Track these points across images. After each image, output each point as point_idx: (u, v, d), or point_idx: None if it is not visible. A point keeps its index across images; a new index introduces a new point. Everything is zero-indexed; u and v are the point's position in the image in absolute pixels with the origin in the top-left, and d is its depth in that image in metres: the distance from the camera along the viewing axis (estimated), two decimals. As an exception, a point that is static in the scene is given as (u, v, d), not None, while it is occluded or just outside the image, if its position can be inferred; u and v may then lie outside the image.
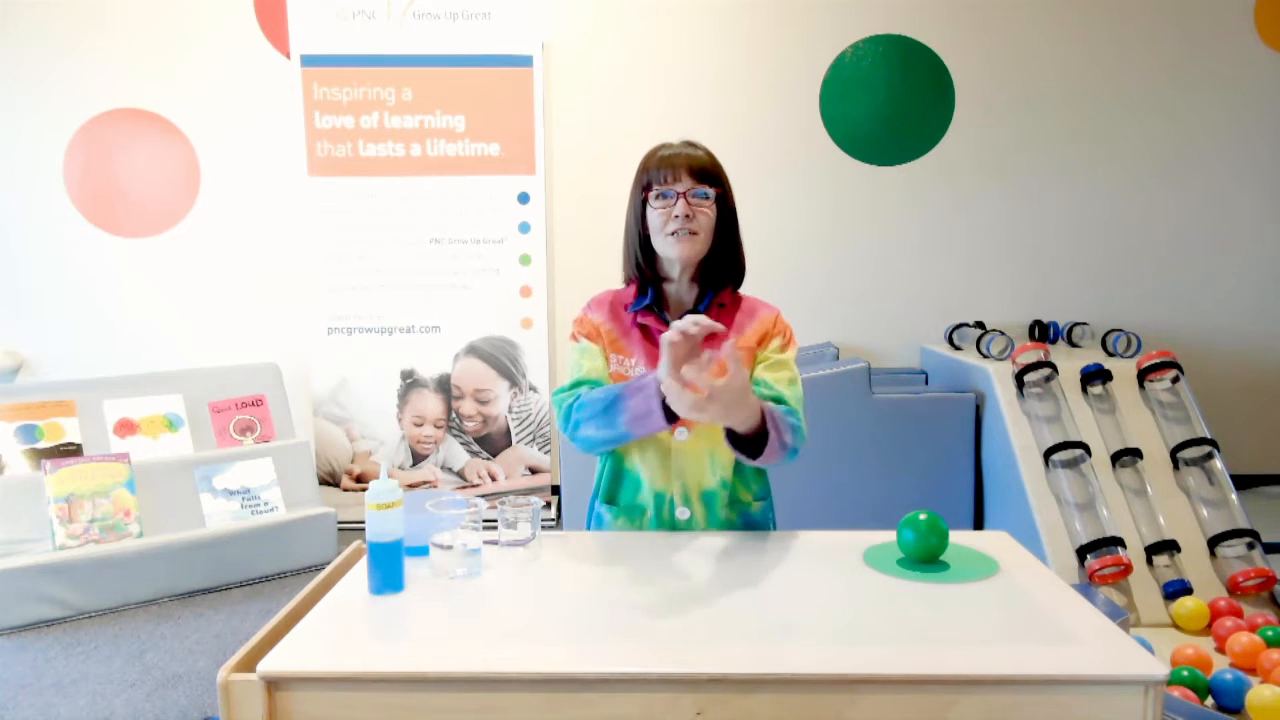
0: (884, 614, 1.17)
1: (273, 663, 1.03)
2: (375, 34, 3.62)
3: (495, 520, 1.44)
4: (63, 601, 2.81)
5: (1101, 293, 4.03)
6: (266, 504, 3.25)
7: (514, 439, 3.80)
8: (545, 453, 3.83)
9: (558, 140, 3.93)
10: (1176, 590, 2.55)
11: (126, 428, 3.20)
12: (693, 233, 1.47)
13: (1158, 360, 2.94)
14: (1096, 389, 2.99)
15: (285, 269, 3.91)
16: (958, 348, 3.67)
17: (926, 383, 3.73)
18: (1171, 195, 3.99)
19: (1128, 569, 2.56)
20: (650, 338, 1.52)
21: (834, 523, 1.79)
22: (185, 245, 3.94)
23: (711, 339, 1.31)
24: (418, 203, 3.69)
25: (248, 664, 1.04)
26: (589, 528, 1.61)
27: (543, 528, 1.47)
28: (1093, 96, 3.94)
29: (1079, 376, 3.00)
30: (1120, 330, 3.26)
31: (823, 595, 1.24)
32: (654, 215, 1.49)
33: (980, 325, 3.80)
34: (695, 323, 1.28)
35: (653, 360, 1.51)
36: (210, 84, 3.86)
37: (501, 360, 3.77)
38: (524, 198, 3.72)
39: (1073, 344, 3.64)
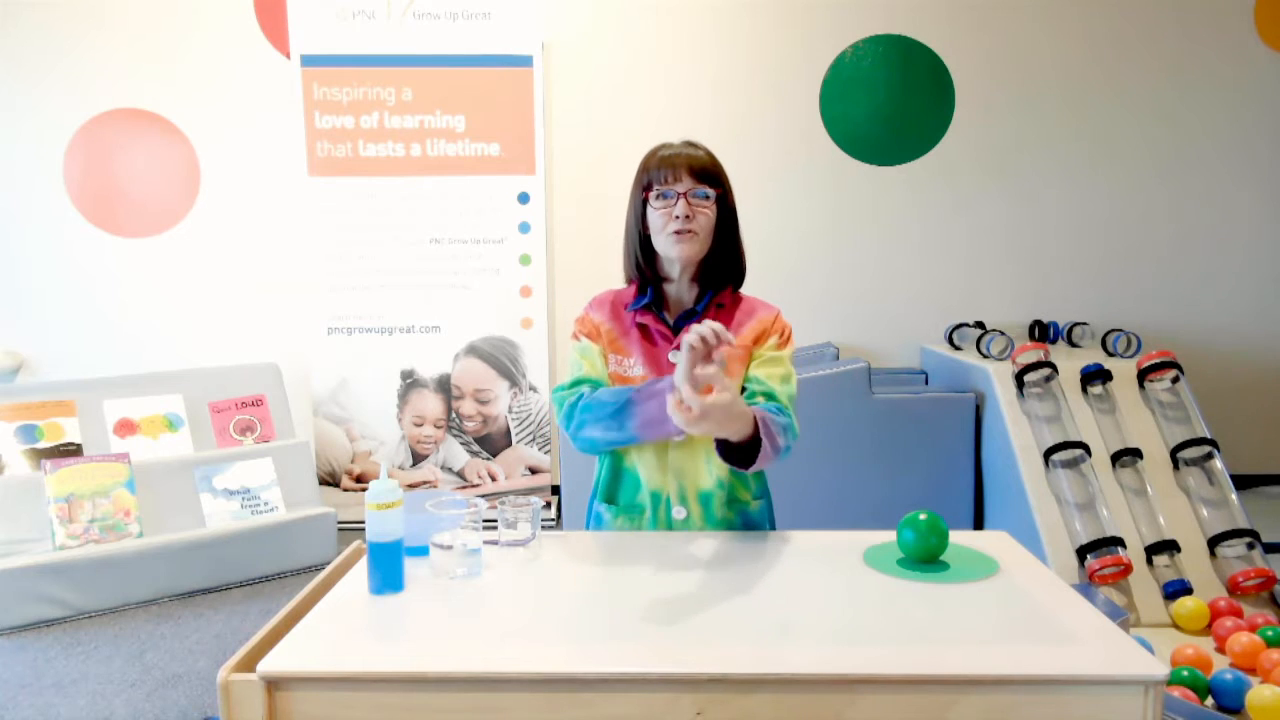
0: (884, 614, 1.17)
1: (273, 663, 1.03)
2: (375, 34, 3.62)
3: (495, 520, 1.44)
4: (63, 601, 2.81)
5: (1101, 293, 4.03)
6: (266, 504, 3.25)
7: (514, 439, 3.80)
8: (545, 453, 3.83)
9: (558, 140, 3.93)
10: (1176, 590, 2.55)
11: (126, 428, 3.20)
12: (693, 233, 1.47)
13: (1158, 360, 2.94)
14: (1096, 389, 2.99)
15: (285, 269, 3.91)
16: (958, 348, 3.67)
17: (926, 383, 3.73)
18: (1171, 195, 3.99)
19: (1128, 569, 2.56)
20: (649, 337, 1.53)
21: (834, 523, 1.79)
22: (185, 245, 3.94)
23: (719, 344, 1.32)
24: (418, 203, 3.69)
25: (248, 664, 1.04)
26: (588, 527, 1.61)
27: (543, 528, 1.47)
28: (1093, 96, 3.94)
29: (1079, 376, 3.00)
30: (1120, 330, 3.26)
31: (823, 595, 1.24)
32: (654, 215, 1.49)
33: (980, 325, 3.80)
34: (714, 331, 1.29)
35: (651, 360, 1.51)
36: (210, 84, 3.86)
37: (501, 360, 3.77)
38: (524, 198, 3.72)
39: (1073, 344, 3.64)
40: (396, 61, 3.62)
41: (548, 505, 3.79)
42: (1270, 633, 2.27)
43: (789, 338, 1.55)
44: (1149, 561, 2.64)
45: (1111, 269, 4.03)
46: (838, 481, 3.19)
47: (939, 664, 1.01)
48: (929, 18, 3.89)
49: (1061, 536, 2.67)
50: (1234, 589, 2.56)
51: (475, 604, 1.20)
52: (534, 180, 3.71)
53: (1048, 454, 2.81)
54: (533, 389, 3.78)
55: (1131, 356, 3.16)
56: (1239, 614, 2.45)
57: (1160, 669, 0.99)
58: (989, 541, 1.43)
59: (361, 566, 1.31)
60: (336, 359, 3.73)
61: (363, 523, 1.25)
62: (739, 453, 1.38)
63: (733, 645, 1.06)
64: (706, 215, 1.48)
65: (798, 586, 1.27)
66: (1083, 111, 3.95)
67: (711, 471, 1.51)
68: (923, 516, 1.34)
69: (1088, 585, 2.57)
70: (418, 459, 3.78)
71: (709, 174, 1.49)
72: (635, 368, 1.52)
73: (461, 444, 3.79)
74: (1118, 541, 2.60)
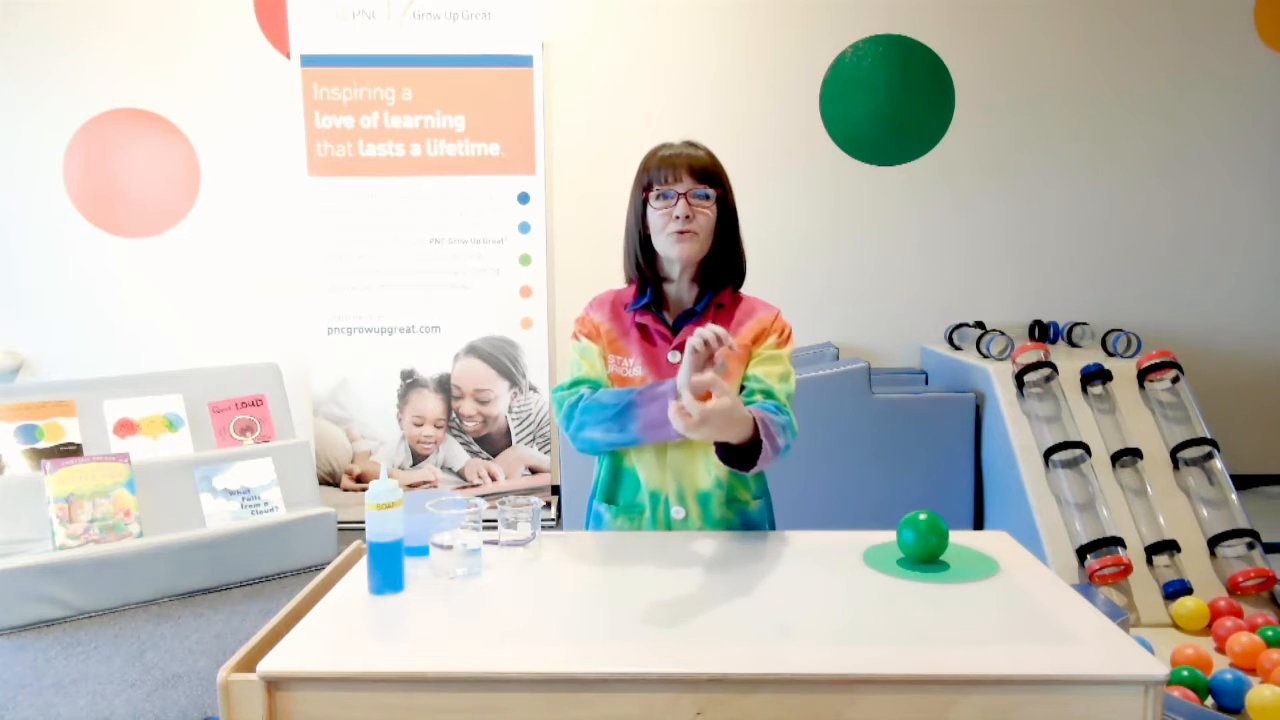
0: (884, 614, 1.17)
1: (273, 663, 1.03)
2: (375, 34, 3.62)
3: (495, 520, 1.44)
4: (63, 601, 2.81)
5: (1101, 293, 4.03)
6: (266, 504, 3.25)
7: (514, 439, 3.80)
8: (545, 453, 3.83)
9: (558, 140, 3.93)
10: (1176, 590, 2.55)
11: (126, 428, 3.20)
12: (693, 233, 1.47)
13: (1158, 360, 2.94)
14: (1096, 389, 2.99)
15: (285, 269, 3.91)
16: (958, 348, 3.67)
17: (926, 383, 3.73)
18: (1171, 195, 3.99)
19: (1128, 569, 2.56)
20: (648, 337, 1.53)
21: (834, 523, 1.79)
22: (185, 245, 3.94)
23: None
24: (418, 203, 3.69)
25: (248, 664, 1.04)
26: (587, 527, 1.61)
27: (543, 528, 1.47)
28: (1093, 96, 3.94)
29: (1079, 376, 3.00)
30: (1120, 330, 3.26)
31: (823, 595, 1.24)
32: (654, 215, 1.49)
33: (980, 325, 3.80)
34: (716, 334, 1.30)
35: (650, 360, 1.51)
36: (210, 84, 3.86)
37: (501, 360, 3.77)
38: (524, 198, 3.72)
39: (1073, 344, 3.64)
40: (396, 61, 3.62)
41: (548, 505, 3.79)
42: (1270, 633, 2.27)
43: (788, 336, 1.55)
44: (1149, 561, 2.64)
45: (1111, 269, 4.03)
46: (838, 481, 3.19)
47: (939, 664, 1.01)
48: (929, 18, 3.89)
49: (1061, 536, 2.67)
50: (1234, 589, 2.56)
51: (475, 604, 1.20)
52: (534, 180, 3.71)
53: (1048, 454, 2.81)
54: (533, 389, 3.78)
55: (1131, 356, 3.16)
56: (1239, 614, 2.45)
57: (1160, 669, 0.99)
58: (989, 541, 1.43)
59: (361, 566, 1.31)
60: (336, 359, 3.73)
61: (363, 523, 1.25)
62: (739, 455, 1.38)
63: (733, 645, 1.06)
64: (707, 215, 1.48)
65: (798, 586, 1.27)
66: (1083, 111, 3.95)
67: (710, 471, 1.51)
68: (923, 516, 1.34)
69: (1088, 585, 2.57)
70: (418, 459, 3.78)
71: (709, 174, 1.49)
72: (634, 368, 1.52)
73: (461, 444, 3.79)
74: (1118, 541, 2.60)
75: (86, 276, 3.93)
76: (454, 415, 3.77)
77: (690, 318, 1.52)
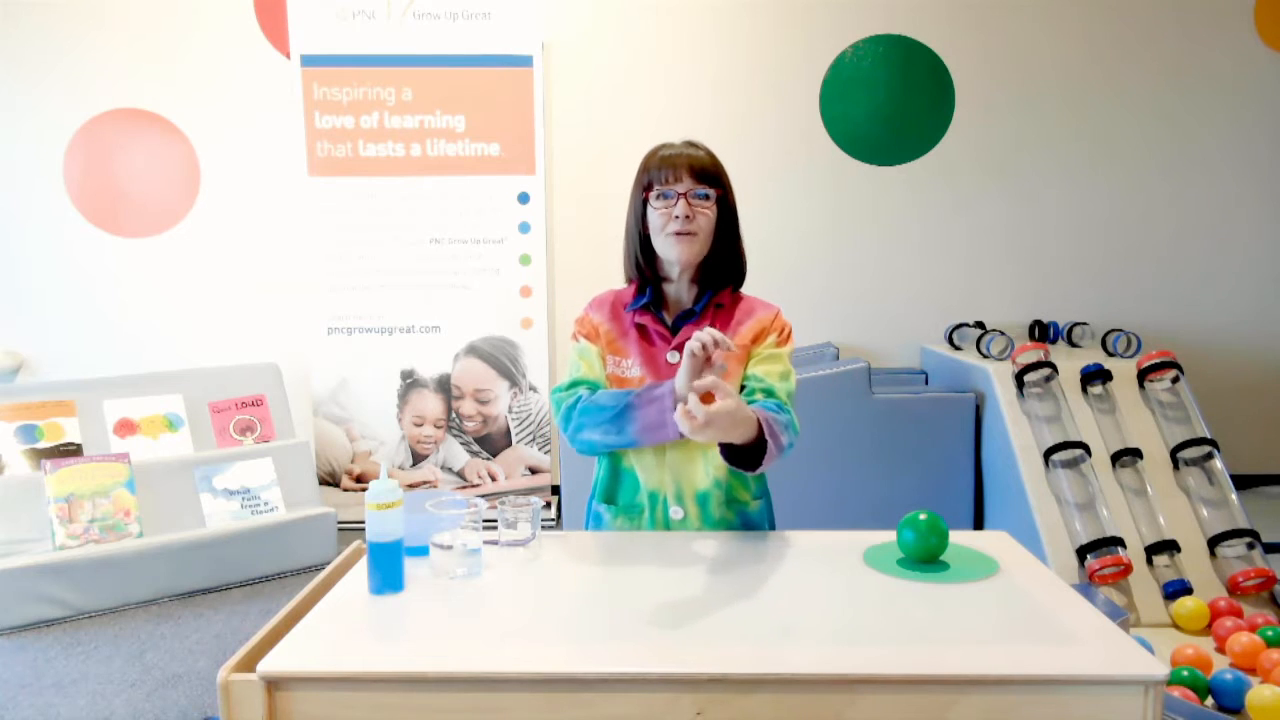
0: (884, 614, 1.17)
1: (273, 663, 1.03)
2: (375, 34, 3.62)
3: (495, 520, 1.44)
4: (63, 601, 2.81)
5: (1101, 293, 4.03)
6: (266, 504, 3.25)
7: (514, 439, 3.80)
8: (545, 453, 3.83)
9: (558, 140, 3.93)
10: (1176, 590, 2.55)
11: (126, 428, 3.20)
12: (692, 233, 1.47)
13: (1158, 360, 2.94)
14: (1096, 389, 2.99)
15: (285, 269, 3.91)
16: (958, 348, 3.67)
17: (926, 383, 3.73)
18: (1171, 195, 3.99)
19: (1128, 569, 2.56)
20: (647, 338, 1.53)
21: (834, 523, 1.79)
22: (185, 245, 3.94)
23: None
24: (418, 203, 3.69)
25: (248, 664, 1.04)
26: (587, 527, 1.61)
27: (543, 528, 1.47)
28: (1093, 96, 3.94)
29: (1079, 376, 3.00)
30: (1120, 330, 3.26)
31: (823, 595, 1.24)
32: (654, 215, 1.49)
33: (980, 325, 3.80)
34: (714, 338, 1.31)
35: (649, 361, 1.51)
36: (210, 84, 3.86)
37: (501, 360, 3.77)
38: (524, 198, 3.72)
39: (1073, 344, 3.64)
40: (396, 61, 3.62)
41: (548, 505, 3.79)
42: (1270, 633, 2.27)
43: (788, 335, 1.54)
44: (1149, 561, 2.64)
45: (1111, 269, 4.03)
46: (838, 481, 3.19)
47: (939, 664, 1.01)
48: (929, 18, 3.89)
49: (1061, 536, 2.67)
50: (1234, 589, 2.56)
51: (475, 604, 1.20)
52: (534, 180, 3.71)
53: (1048, 454, 2.81)
54: (533, 389, 3.78)
55: (1131, 356, 3.16)
56: (1239, 614, 2.45)
57: (1160, 669, 0.99)
58: (989, 541, 1.43)
59: (361, 566, 1.31)
60: (336, 359, 3.73)
61: (363, 523, 1.25)
62: (744, 455, 1.38)
63: (733, 645, 1.06)
64: (707, 216, 1.48)
65: (798, 586, 1.27)
66: (1083, 111, 3.95)
67: (709, 472, 1.51)
68: (923, 516, 1.34)
69: (1088, 585, 2.57)
70: (418, 459, 3.78)
71: (709, 174, 1.49)
72: (633, 368, 1.52)
73: (461, 444, 3.79)
74: (1118, 541, 2.60)
75: (86, 276, 3.93)
76: (454, 415, 3.77)
77: (690, 318, 1.52)
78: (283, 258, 3.91)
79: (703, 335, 1.31)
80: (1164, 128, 3.95)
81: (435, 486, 3.78)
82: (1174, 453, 2.81)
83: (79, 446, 3.10)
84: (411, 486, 3.74)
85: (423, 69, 3.63)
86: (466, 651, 1.06)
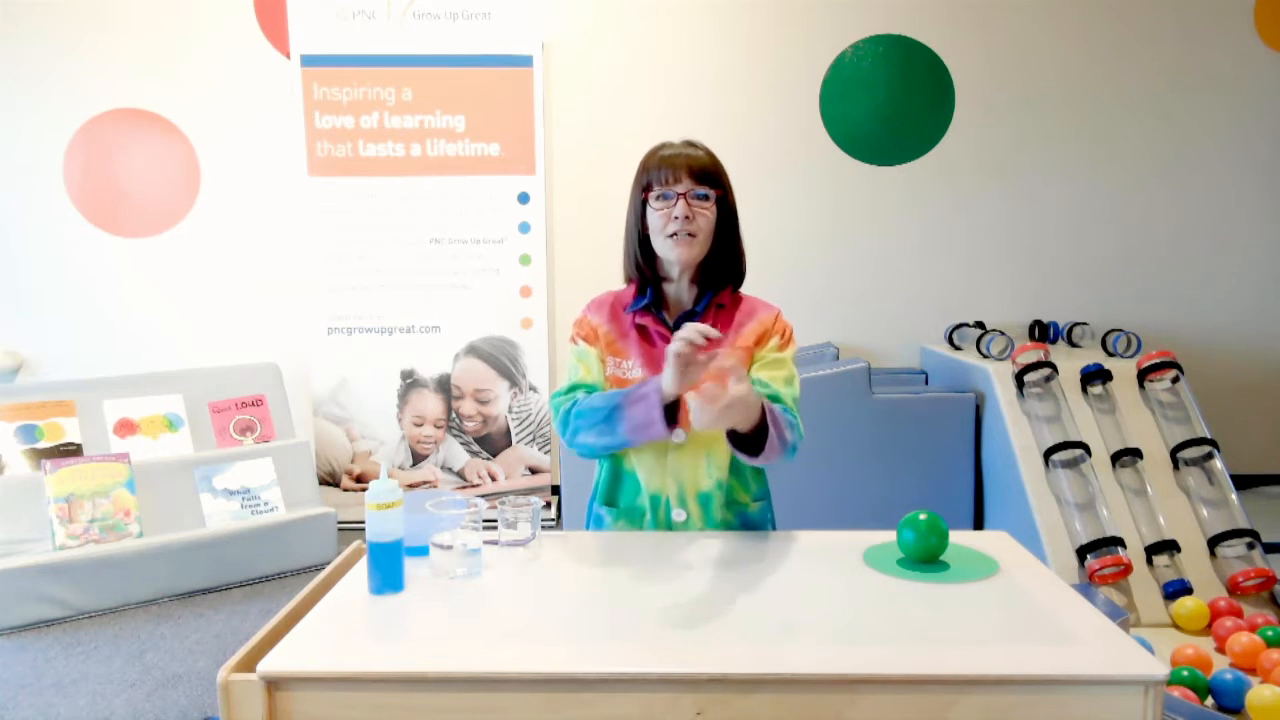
0: (884, 614, 1.17)
1: (273, 663, 1.03)
2: (375, 34, 3.62)
3: (495, 520, 1.44)
4: (63, 601, 2.81)
5: (1101, 293, 4.03)
6: (266, 504, 3.25)
7: (514, 439, 3.80)
8: (545, 453, 3.83)
9: (558, 140, 3.93)
10: (1176, 590, 2.55)
11: (126, 428, 3.20)
12: (692, 234, 1.46)
13: (1158, 360, 2.94)
14: (1096, 389, 2.99)
15: (285, 269, 3.91)
16: (958, 348, 3.67)
17: (926, 383, 3.73)
18: (1171, 195, 3.99)
19: (1128, 569, 2.56)
20: (648, 339, 1.52)
21: (834, 523, 1.79)
22: (185, 245, 3.94)
23: (710, 344, 1.32)
24: (418, 203, 3.69)
25: (248, 664, 1.04)
26: (588, 530, 1.61)
27: (543, 528, 1.47)
28: (1093, 96, 3.94)
29: (1079, 376, 3.00)
30: (1120, 330, 3.26)
31: (823, 595, 1.24)
32: (654, 216, 1.49)
33: (980, 325, 3.80)
34: (699, 331, 1.29)
35: (650, 361, 1.51)
36: (210, 84, 3.86)
37: (501, 360, 3.77)
38: (524, 198, 3.72)
39: (1073, 344, 3.64)
40: (396, 61, 3.62)
41: (548, 505, 3.79)
42: (1270, 633, 2.27)
43: (790, 338, 1.54)
44: (1149, 561, 2.64)
45: (1111, 269, 4.03)
46: (838, 481, 3.19)
47: (939, 664, 1.01)
48: (929, 18, 3.89)
49: (1061, 536, 2.67)
50: (1234, 589, 2.56)
51: (475, 604, 1.20)
52: (534, 180, 3.71)
53: (1048, 454, 2.81)
54: (533, 389, 3.78)
55: (1131, 356, 3.16)
56: (1239, 614, 2.45)
57: (1160, 669, 0.99)
58: (989, 541, 1.43)
59: (361, 566, 1.31)
60: (336, 359, 3.73)
61: (363, 523, 1.25)
62: (747, 443, 1.38)
63: (733, 645, 1.06)
64: (706, 216, 1.48)
65: (798, 586, 1.27)
66: (1083, 111, 3.95)
67: (711, 473, 1.50)
68: (923, 516, 1.34)
69: (1088, 585, 2.57)
70: (418, 459, 3.78)
71: (709, 174, 1.48)
72: (634, 369, 1.51)
73: (461, 444, 3.79)
74: (1118, 541, 2.60)
75: (86, 276, 3.93)
76: (454, 415, 3.77)
77: (690, 319, 1.52)
78: (283, 258, 3.91)
79: (686, 334, 1.30)
80: (1164, 128, 3.95)
81: (435, 486, 3.78)
82: (1174, 453, 2.81)
83: (79, 446, 3.10)
84: (411, 486, 3.74)
85: (423, 69, 3.63)
86: (466, 651, 1.06)
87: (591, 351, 1.54)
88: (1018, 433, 2.90)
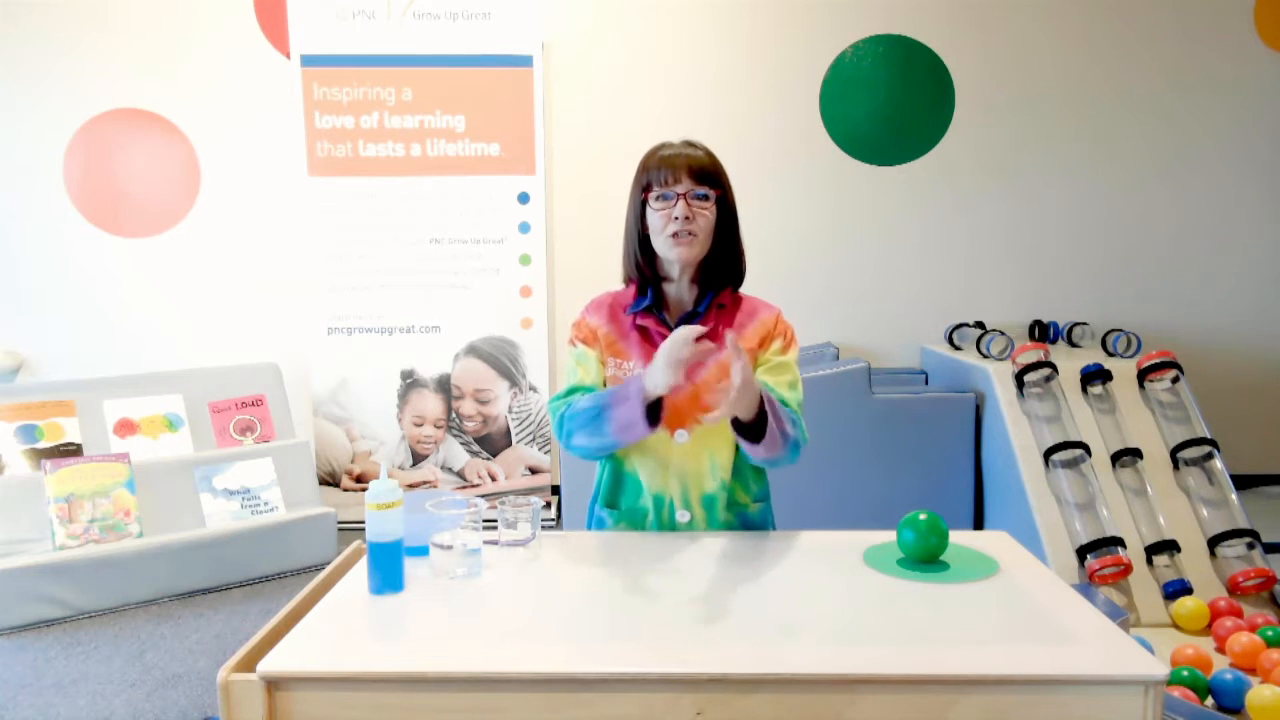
0: (884, 614, 1.17)
1: (273, 663, 1.03)
2: (375, 34, 3.62)
3: (495, 520, 1.44)
4: (63, 601, 2.81)
5: (1101, 293, 4.03)
6: (266, 504, 3.25)
7: (514, 439, 3.80)
8: (545, 453, 3.83)
9: (558, 140, 3.93)
10: (1176, 590, 2.55)
11: (126, 428, 3.20)
12: (692, 234, 1.46)
13: (1158, 360, 2.94)
14: (1096, 389, 2.99)
15: (285, 269, 3.91)
16: (958, 348, 3.67)
17: (926, 383, 3.73)
18: (1171, 195, 3.99)
19: (1128, 569, 2.56)
20: (648, 339, 1.52)
21: (834, 523, 1.79)
22: (185, 245, 3.94)
23: (711, 336, 1.33)
24: (418, 203, 3.69)
25: (248, 664, 1.04)
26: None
27: (543, 528, 1.47)
28: (1093, 96, 3.94)
29: (1079, 376, 3.00)
30: (1120, 330, 3.26)
31: (823, 595, 1.24)
32: (654, 216, 1.48)
33: (980, 325, 3.80)
34: (695, 334, 1.32)
35: (650, 362, 1.51)
36: (210, 84, 3.86)
37: (501, 360, 3.77)
38: (524, 198, 3.72)
39: (1073, 344, 3.64)
40: (396, 61, 3.62)
41: (548, 505, 3.79)
42: (1270, 633, 2.27)
43: (792, 340, 1.54)
44: (1149, 561, 2.64)
45: (1111, 269, 4.03)
46: (838, 481, 3.19)
47: (939, 664, 1.01)
48: (929, 18, 3.89)
49: (1061, 536, 2.67)
50: (1234, 589, 2.56)
51: (475, 604, 1.20)
52: (534, 180, 3.71)
53: (1048, 454, 2.81)
54: (533, 389, 3.78)
55: (1131, 356, 3.16)
56: (1239, 614, 2.45)
57: (1160, 669, 0.99)
58: (989, 541, 1.43)
59: (361, 566, 1.31)
60: (336, 359, 3.73)
61: (363, 523, 1.25)
62: (747, 431, 1.37)
63: (733, 645, 1.06)
64: (706, 217, 1.47)
65: (798, 586, 1.27)
66: (1083, 111, 3.95)
67: (715, 474, 1.50)
68: (923, 516, 1.34)
69: (1088, 585, 2.57)
70: (418, 459, 3.78)
71: (709, 175, 1.48)
72: (635, 370, 1.51)
73: (461, 444, 3.79)
74: (1118, 541, 2.60)
75: (86, 276, 3.93)
76: (454, 415, 3.77)
77: (691, 319, 1.52)
78: (283, 258, 3.91)
79: (682, 336, 1.32)
80: (1164, 128, 3.95)
81: (435, 486, 3.78)
82: (1174, 453, 2.81)
83: (79, 446, 3.10)
84: (411, 486, 3.74)
85: (423, 69, 3.63)
86: (466, 651, 1.06)
87: (590, 354, 1.53)
88: (1018, 433, 2.90)
